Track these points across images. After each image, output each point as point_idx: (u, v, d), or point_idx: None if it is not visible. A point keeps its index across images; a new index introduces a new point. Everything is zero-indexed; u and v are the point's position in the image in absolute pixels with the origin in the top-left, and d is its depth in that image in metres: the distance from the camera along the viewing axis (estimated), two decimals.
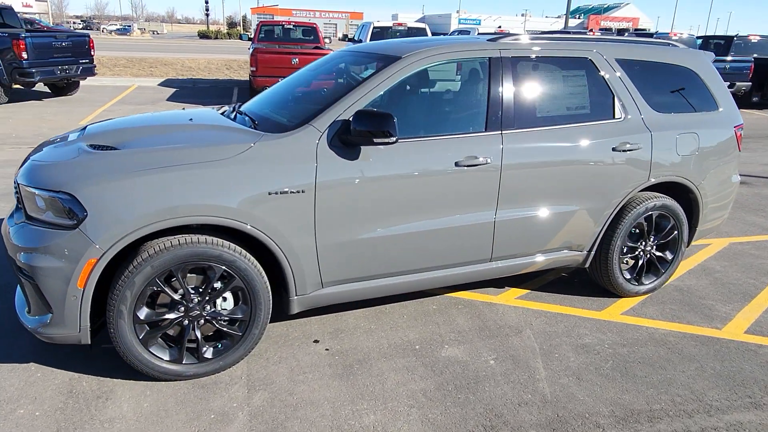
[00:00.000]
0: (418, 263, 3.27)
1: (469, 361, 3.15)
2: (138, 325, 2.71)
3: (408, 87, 3.32)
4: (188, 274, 2.79)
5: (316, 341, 3.30)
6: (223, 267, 2.77)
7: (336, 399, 2.78)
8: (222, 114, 3.56)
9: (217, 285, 2.84)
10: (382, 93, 3.10)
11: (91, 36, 12.85)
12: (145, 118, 3.53)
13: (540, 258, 3.66)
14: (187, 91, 14.95)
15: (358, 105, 3.00)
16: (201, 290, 2.81)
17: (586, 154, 3.52)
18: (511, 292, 4.05)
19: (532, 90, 3.46)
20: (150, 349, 2.77)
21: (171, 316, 2.77)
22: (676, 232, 4.00)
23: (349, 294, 3.19)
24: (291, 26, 14.07)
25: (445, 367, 3.08)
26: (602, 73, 3.66)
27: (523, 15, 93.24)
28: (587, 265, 3.87)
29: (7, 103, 11.50)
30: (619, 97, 3.69)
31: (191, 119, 3.35)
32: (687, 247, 4.20)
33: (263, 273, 2.90)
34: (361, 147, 2.96)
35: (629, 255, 3.94)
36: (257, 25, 14.17)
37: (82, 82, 13.52)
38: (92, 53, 12.66)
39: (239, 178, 2.72)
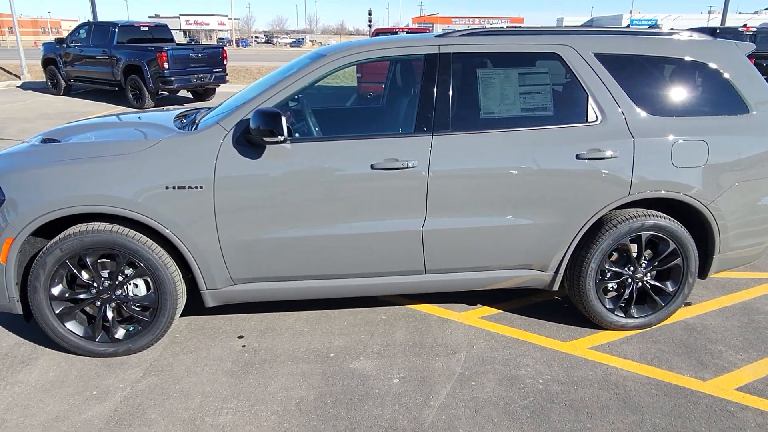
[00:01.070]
0: (336, 268, 3.16)
1: (372, 376, 2.97)
2: (54, 302, 3.00)
3: (326, 86, 3.23)
4: (104, 259, 3.03)
5: (240, 337, 3.36)
6: (128, 256, 2.96)
7: (212, 394, 2.81)
8: (179, 116, 3.71)
9: (129, 272, 3.04)
10: (295, 92, 3.05)
11: (225, 48, 14.32)
12: (109, 117, 3.88)
13: (491, 275, 3.30)
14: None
15: (267, 104, 2.99)
16: (112, 275, 3.03)
17: (540, 162, 3.10)
18: (480, 310, 3.70)
19: (474, 90, 3.15)
20: (65, 324, 3.04)
21: (83, 296, 3.03)
22: (678, 259, 3.34)
23: (263, 293, 3.19)
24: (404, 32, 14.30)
25: (341, 379, 2.93)
26: (573, 69, 3.19)
27: (708, 12, 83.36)
28: (555, 288, 3.40)
29: (153, 107, 13.29)
30: (594, 98, 3.19)
31: (140, 118, 3.62)
32: (704, 278, 3.48)
33: (170, 264, 3.03)
34: (267, 147, 2.95)
35: (614, 281, 3.38)
36: (372, 32, 14.61)
37: (218, 89, 15.10)
38: (225, 63, 14.08)
39: (137, 172, 2.88)
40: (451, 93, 3.10)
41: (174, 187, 2.89)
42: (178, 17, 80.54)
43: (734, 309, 3.73)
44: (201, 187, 2.91)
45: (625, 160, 3.15)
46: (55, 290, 2.98)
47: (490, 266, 3.28)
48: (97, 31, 13.69)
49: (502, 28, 3.45)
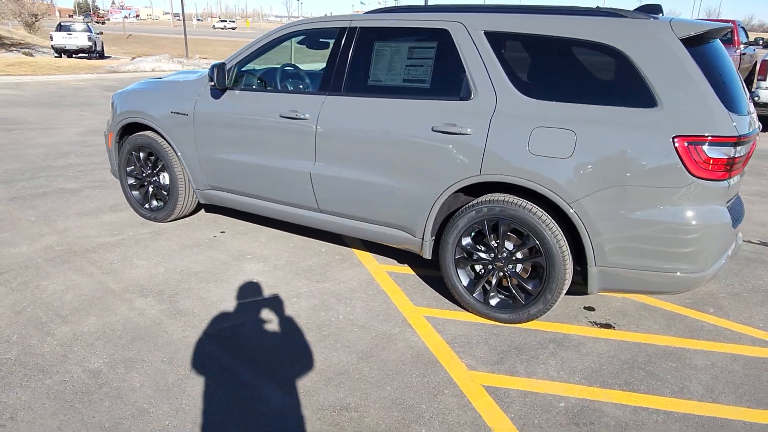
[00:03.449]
0: (259, 191, 4.07)
1: (248, 271, 3.84)
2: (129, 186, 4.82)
3: (273, 51, 4.02)
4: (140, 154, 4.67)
5: (222, 232, 4.61)
6: (155, 152, 4.52)
7: (174, 252, 4.17)
8: None
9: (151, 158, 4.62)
10: (249, 54, 4.02)
11: None
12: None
13: (370, 228, 3.69)
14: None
15: (232, 62, 4.06)
16: (149, 162, 4.65)
17: (403, 129, 3.35)
18: (399, 267, 4.04)
19: (368, 60, 3.53)
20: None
21: (143, 176, 4.77)
22: (540, 257, 3.08)
23: (224, 200, 4.34)
24: None
25: (223, 263, 3.91)
26: (458, 46, 3.24)
27: None
28: (428, 256, 3.53)
29: None
30: (470, 75, 3.19)
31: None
32: (589, 293, 3.08)
33: (176, 164, 4.46)
34: (226, 92, 4.05)
35: (477, 264, 3.33)
36: None
37: None
38: None
39: (160, 100, 4.37)
40: (349, 61, 3.60)
41: (175, 113, 4.29)
42: None
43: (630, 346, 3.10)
44: (186, 114, 4.23)
45: (479, 139, 3.11)
46: None
47: (369, 219, 3.67)
48: None
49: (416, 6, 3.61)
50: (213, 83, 3.93)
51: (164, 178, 4.62)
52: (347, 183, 3.62)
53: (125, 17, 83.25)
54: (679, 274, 2.87)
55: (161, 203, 4.72)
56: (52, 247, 4.17)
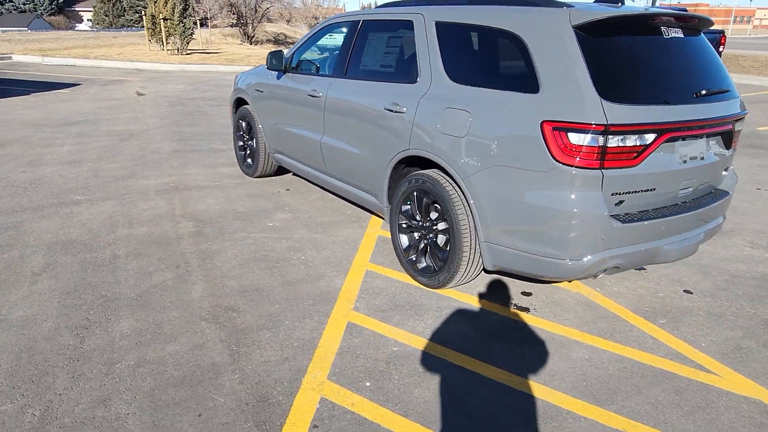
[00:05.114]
0: (298, 155, 4.96)
1: (273, 226, 4.77)
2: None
3: (318, 42, 4.77)
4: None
5: (287, 190, 5.64)
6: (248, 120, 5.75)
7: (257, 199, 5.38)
8: None
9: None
10: (302, 44, 4.89)
11: None
12: None
13: (354, 191, 4.29)
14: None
15: (291, 50, 5.00)
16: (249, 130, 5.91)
17: (370, 107, 3.88)
18: None
19: (363, 48, 4.11)
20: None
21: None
22: (446, 227, 3.37)
23: (282, 162, 5.34)
24: None
25: (261, 210, 4.90)
26: (415, 35, 3.63)
27: None
28: (387, 220, 4.00)
29: None
30: (419, 61, 3.57)
31: None
32: (485, 269, 3.27)
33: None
34: (285, 73, 5.03)
35: (415, 230, 3.71)
36: None
37: None
38: None
39: (252, 80, 5.56)
40: (351, 49, 4.24)
41: (257, 90, 5.44)
42: None
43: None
44: (263, 91, 5.34)
45: (410, 117, 3.50)
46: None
47: (353, 183, 4.28)
48: None
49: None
50: (267, 66, 4.95)
51: (255, 143, 5.84)
52: (339, 151, 4.29)
53: None
54: (549, 259, 2.90)
55: (251, 162, 5.96)
56: (167, 184, 5.71)
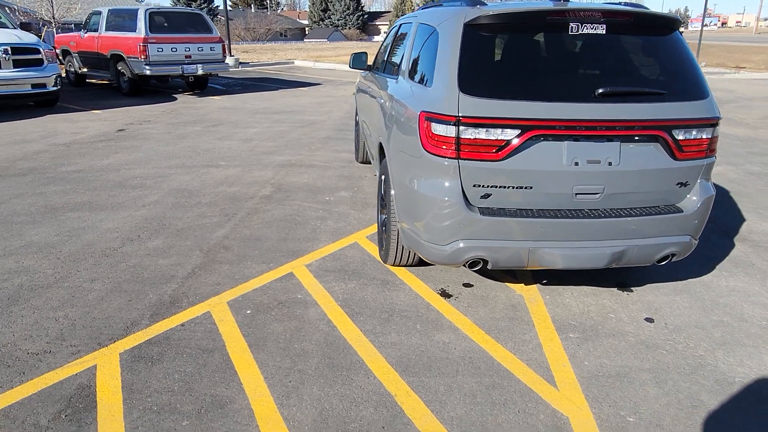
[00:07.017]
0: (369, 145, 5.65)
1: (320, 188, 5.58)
2: None
3: (389, 42, 5.29)
4: None
5: (375, 175, 6.35)
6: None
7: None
8: None
9: None
10: (383, 45, 5.51)
11: None
12: None
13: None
14: None
15: (378, 51, 5.68)
16: None
17: (393, 95, 4.38)
18: None
19: (395, 48, 4.58)
20: None
21: None
22: None
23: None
24: None
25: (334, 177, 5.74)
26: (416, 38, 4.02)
27: None
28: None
29: None
30: (402, 59, 3.97)
31: None
32: (404, 244, 3.57)
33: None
34: (366, 72, 5.76)
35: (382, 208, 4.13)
36: None
37: None
38: None
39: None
40: (389, 48, 4.76)
41: (358, 87, 6.28)
42: None
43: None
44: (358, 88, 6.16)
45: (381, 105, 3.96)
46: None
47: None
48: None
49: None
50: (349, 65, 5.74)
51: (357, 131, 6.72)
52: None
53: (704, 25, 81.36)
54: (422, 242, 3.11)
55: (355, 148, 6.86)
56: (290, 161, 6.97)
